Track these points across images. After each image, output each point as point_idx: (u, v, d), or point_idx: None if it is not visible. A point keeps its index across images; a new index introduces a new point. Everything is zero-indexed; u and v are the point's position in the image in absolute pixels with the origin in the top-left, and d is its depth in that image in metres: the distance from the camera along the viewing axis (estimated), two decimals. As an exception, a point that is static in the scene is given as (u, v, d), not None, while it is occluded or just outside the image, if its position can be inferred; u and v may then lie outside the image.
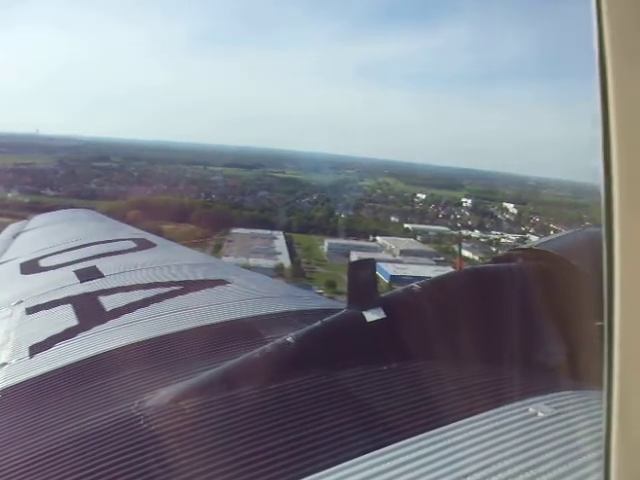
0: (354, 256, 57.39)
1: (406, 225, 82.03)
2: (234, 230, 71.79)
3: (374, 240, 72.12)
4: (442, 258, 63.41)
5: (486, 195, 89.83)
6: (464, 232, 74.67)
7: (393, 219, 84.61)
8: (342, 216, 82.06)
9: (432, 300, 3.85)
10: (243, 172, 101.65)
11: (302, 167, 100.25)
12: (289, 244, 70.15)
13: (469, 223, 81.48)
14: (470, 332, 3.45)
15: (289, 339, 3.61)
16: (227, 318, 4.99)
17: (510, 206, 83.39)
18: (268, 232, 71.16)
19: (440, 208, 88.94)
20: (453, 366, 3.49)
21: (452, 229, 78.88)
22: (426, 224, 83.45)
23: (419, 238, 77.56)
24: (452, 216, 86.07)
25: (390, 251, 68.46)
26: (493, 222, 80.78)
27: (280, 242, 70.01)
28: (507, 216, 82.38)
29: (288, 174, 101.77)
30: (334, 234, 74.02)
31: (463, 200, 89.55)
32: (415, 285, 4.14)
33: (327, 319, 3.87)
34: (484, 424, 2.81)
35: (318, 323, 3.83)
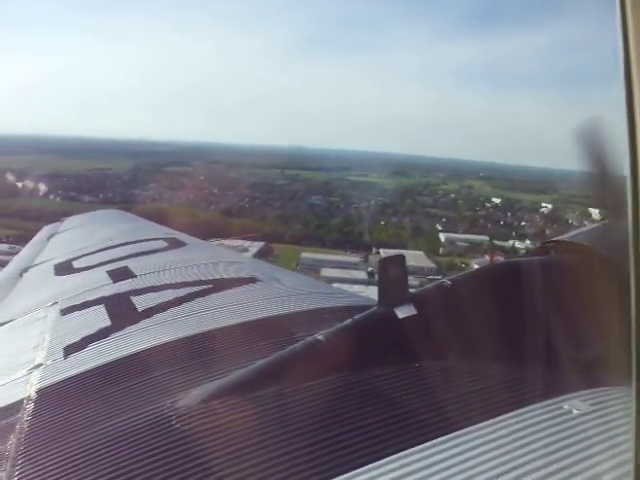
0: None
1: (441, 234, 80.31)
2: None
3: (377, 252, 67.65)
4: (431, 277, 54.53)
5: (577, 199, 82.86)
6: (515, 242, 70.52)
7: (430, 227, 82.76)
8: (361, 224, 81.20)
9: (463, 296, 3.79)
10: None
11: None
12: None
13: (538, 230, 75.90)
14: (503, 328, 3.38)
15: (320, 337, 3.59)
16: (258, 316, 4.99)
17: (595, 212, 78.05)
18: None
19: (512, 213, 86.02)
20: (486, 363, 3.44)
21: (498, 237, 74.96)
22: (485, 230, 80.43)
23: (451, 249, 75.15)
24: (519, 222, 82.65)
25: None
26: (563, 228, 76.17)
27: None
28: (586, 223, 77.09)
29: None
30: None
31: (543, 205, 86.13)
32: (446, 281, 4.10)
33: (358, 316, 3.84)
34: (519, 422, 2.77)
35: (349, 320, 3.81)
